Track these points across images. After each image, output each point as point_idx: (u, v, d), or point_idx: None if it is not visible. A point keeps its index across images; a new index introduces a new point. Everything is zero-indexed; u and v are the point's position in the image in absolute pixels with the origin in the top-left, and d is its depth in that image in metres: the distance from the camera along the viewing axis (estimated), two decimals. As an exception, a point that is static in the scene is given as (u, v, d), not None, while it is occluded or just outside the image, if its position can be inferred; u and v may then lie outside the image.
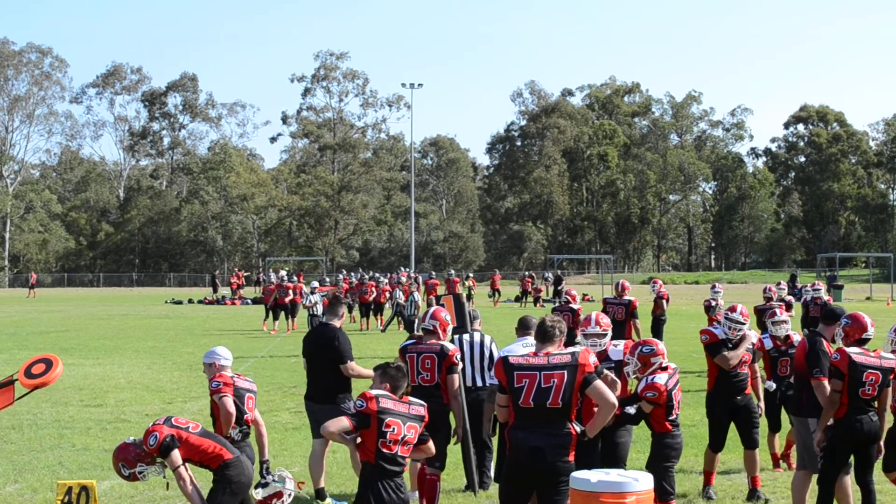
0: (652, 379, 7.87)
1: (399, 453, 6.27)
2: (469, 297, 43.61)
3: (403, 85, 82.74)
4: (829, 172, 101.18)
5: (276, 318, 31.20)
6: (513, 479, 6.41)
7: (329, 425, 6.31)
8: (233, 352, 9.34)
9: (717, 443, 9.31)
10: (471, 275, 57.52)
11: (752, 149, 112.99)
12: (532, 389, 6.24)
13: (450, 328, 9.06)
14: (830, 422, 7.76)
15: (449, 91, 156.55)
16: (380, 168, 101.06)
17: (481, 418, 9.10)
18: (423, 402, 6.52)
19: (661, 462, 7.98)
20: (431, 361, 8.71)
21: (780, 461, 10.57)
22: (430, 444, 6.62)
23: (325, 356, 9.21)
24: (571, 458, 6.29)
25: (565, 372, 6.25)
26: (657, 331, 21.02)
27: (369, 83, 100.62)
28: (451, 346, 8.77)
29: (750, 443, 9.29)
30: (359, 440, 6.32)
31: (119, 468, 7.44)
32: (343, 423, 6.30)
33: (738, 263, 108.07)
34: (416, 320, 26.81)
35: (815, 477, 8.05)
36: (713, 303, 19.39)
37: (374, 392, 6.34)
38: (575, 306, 18.09)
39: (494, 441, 9.49)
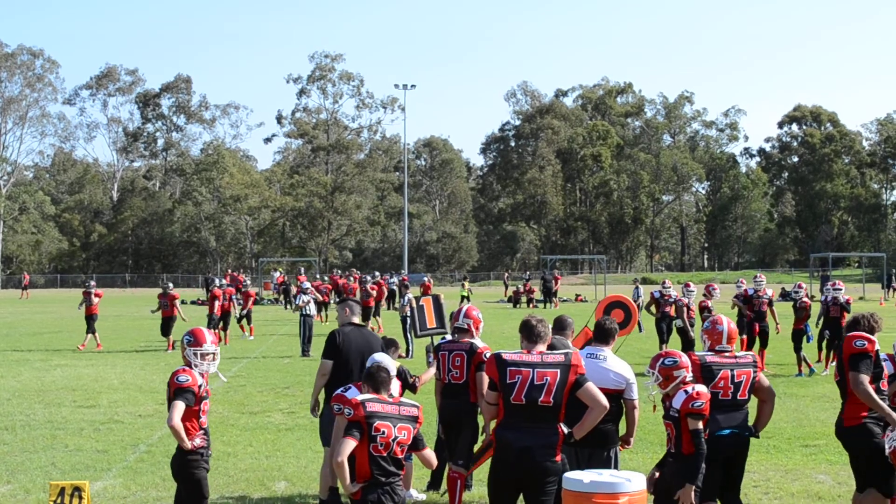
0: (694, 388, 6.70)
1: (393, 453, 6.04)
2: (467, 298, 43.55)
3: (397, 86, 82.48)
4: (823, 172, 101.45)
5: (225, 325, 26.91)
6: (500, 480, 6.35)
7: (339, 455, 6.00)
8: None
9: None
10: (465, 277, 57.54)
11: (746, 149, 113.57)
12: (525, 386, 6.21)
13: (482, 325, 9.07)
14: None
15: (443, 92, 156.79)
16: (373, 169, 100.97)
17: None
18: (416, 404, 6.27)
19: (677, 490, 6.63)
20: (461, 359, 8.77)
21: None
22: (429, 452, 6.32)
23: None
24: (559, 458, 6.25)
25: (558, 371, 6.23)
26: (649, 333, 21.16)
27: (364, 85, 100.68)
28: (480, 344, 8.78)
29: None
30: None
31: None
32: (349, 445, 6.00)
33: (731, 263, 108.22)
34: (408, 320, 26.75)
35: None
36: (709, 303, 19.28)
37: (360, 397, 6.17)
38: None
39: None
